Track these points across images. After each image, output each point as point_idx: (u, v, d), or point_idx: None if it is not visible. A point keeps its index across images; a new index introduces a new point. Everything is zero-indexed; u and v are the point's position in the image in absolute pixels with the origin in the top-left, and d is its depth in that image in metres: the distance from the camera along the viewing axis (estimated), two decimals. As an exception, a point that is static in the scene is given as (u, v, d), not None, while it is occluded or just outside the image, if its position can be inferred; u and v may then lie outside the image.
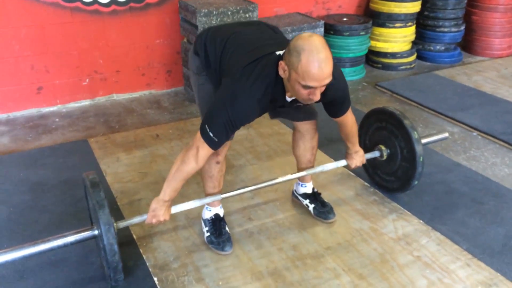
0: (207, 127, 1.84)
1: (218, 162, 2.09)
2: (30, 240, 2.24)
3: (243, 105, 1.81)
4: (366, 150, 2.58)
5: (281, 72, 1.78)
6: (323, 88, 1.76)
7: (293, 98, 1.94)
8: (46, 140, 3.33)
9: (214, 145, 1.87)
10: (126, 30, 3.81)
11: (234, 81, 1.83)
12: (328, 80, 1.71)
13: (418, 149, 2.37)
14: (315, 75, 1.67)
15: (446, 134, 2.76)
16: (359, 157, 2.39)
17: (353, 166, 2.40)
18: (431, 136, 2.70)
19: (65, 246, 1.88)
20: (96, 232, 1.91)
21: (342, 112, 2.13)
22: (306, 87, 1.71)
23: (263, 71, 1.83)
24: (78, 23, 3.62)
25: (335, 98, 2.02)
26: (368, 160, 2.51)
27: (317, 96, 1.75)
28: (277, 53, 1.85)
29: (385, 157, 2.53)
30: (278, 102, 1.96)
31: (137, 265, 2.13)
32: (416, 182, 2.45)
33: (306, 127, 2.29)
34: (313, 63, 1.65)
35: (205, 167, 2.09)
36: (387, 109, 2.53)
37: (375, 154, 2.55)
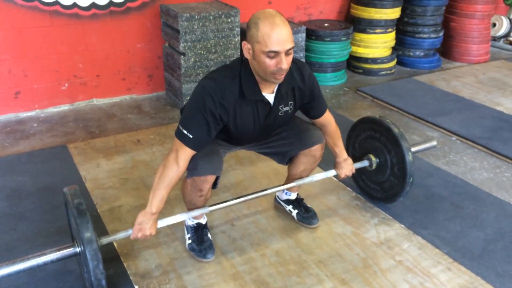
0: (181, 127, 1.90)
1: (201, 196, 2.05)
2: (7, 248, 2.22)
3: (208, 90, 1.85)
4: (355, 152, 2.60)
5: (245, 53, 1.83)
6: (290, 59, 1.78)
7: (274, 94, 1.95)
8: (24, 146, 3.26)
9: (189, 142, 1.88)
10: (106, 34, 3.76)
11: (200, 81, 1.93)
12: (289, 44, 1.75)
13: (410, 170, 2.34)
14: (276, 37, 1.72)
15: (434, 143, 2.71)
16: (348, 166, 2.36)
17: (342, 175, 2.37)
18: (420, 145, 2.66)
19: (45, 264, 1.79)
20: (78, 249, 1.83)
21: (323, 108, 2.19)
22: (270, 54, 1.74)
23: (228, 65, 1.97)
24: (57, 26, 3.57)
25: (313, 91, 2.07)
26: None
27: (284, 64, 1.76)
28: None
29: (374, 167, 2.51)
30: (257, 102, 1.94)
31: (117, 274, 2.09)
32: (401, 199, 2.47)
33: (314, 153, 2.23)
34: (271, 25, 1.72)
35: (189, 198, 2.07)
36: (384, 121, 2.45)
37: (365, 163, 2.52)
